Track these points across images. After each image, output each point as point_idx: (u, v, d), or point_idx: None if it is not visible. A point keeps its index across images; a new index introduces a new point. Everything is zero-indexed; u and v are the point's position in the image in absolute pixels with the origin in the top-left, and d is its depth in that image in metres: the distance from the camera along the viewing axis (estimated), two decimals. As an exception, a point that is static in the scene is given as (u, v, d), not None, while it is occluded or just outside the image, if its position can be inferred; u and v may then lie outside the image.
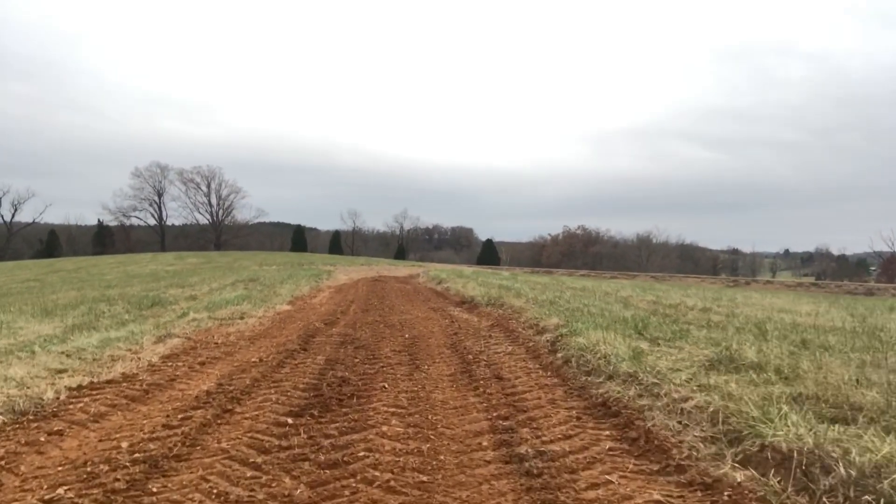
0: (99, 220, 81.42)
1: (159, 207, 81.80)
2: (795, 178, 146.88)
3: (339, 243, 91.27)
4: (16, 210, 74.60)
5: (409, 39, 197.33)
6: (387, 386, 4.92)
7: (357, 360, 6.05)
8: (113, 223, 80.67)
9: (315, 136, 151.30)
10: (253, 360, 6.14)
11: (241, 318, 10.13)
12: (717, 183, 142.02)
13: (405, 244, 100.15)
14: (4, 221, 73.99)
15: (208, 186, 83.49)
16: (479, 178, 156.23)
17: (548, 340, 6.55)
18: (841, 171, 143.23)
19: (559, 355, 5.80)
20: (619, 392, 4.24)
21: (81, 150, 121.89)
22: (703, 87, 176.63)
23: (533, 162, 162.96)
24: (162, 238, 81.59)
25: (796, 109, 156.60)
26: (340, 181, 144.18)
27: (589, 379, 4.82)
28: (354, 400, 4.47)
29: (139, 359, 6.15)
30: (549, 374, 5.32)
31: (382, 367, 5.75)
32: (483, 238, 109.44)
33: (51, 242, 77.50)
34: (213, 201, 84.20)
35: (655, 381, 4.20)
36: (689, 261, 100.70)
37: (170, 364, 5.99)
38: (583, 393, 4.54)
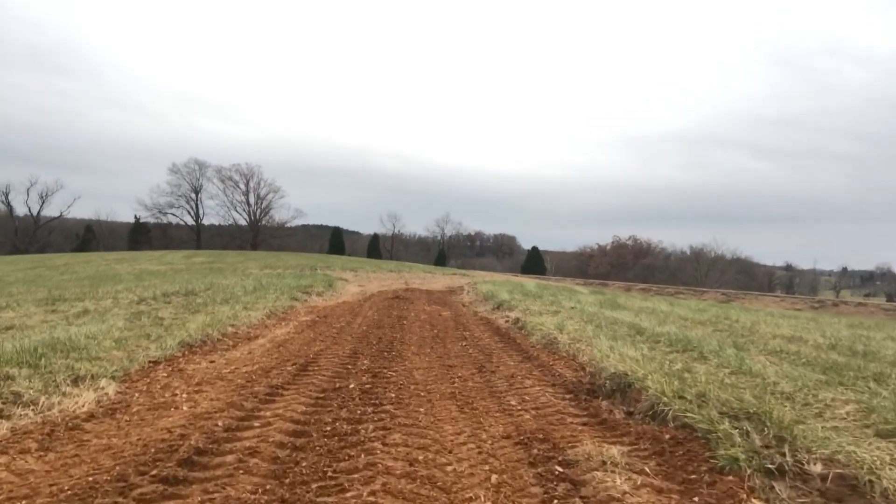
0: (136, 217, 75.60)
1: (196, 205, 75.30)
2: (853, 192, 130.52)
3: (377, 247, 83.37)
4: (43, 202, 68.78)
5: (453, 47, 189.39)
6: None
7: None
8: (150, 220, 74.68)
9: (355, 140, 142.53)
10: None
11: None
12: (766, 194, 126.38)
13: (446, 250, 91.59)
14: (31, 213, 68.53)
15: (247, 185, 76.58)
16: (523, 185, 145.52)
17: None
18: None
19: None
20: None
21: (116, 145, 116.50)
22: (750, 93, 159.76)
23: (576, 170, 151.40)
24: (198, 236, 75.10)
25: (853, 117, 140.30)
26: (383, 185, 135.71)
27: None
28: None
29: None
30: None
31: None
32: (526, 246, 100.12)
33: (86, 237, 72.04)
34: (252, 200, 77.43)
35: None
36: (745, 276, 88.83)
37: None
38: None
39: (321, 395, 4.31)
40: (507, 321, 9.54)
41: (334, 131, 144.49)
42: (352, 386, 4.62)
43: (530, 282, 22.93)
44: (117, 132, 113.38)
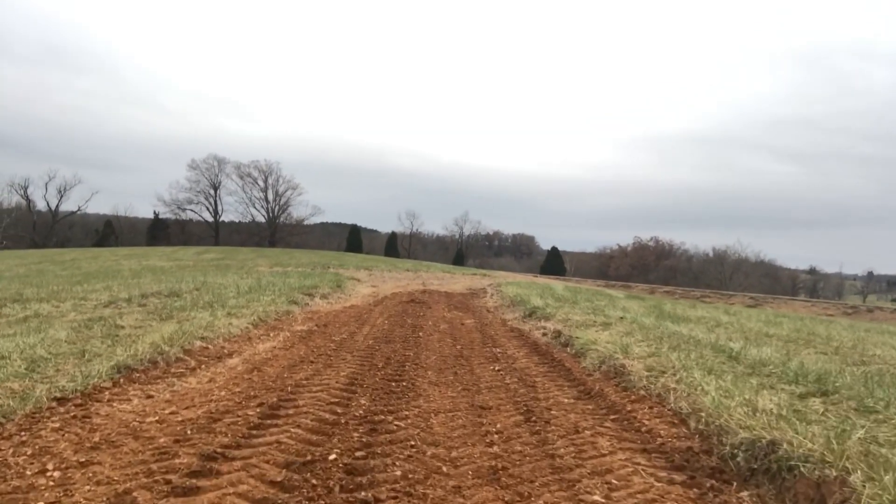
0: (154, 213, 74.94)
1: (215, 201, 74.48)
2: (878, 195, 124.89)
3: (395, 245, 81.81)
4: (62, 196, 67.92)
5: (474, 46, 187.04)
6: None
7: None
8: (169, 216, 73.90)
9: (374, 139, 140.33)
10: None
11: None
12: (789, 197, 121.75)
13: (464, 249, 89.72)
14: (50, 208, 67.98)
15: (265, 181, 75.60)
16: (542, 185, 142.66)
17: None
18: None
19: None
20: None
21: (136, 143, 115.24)
22: (771, 95, 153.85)
23: (595, 170, 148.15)
24: (216, 232, 74.27)
25: (877, 119, 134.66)
26: (401, 184, 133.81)
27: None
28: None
29: None
30: None
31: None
32: (545, 246, 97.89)
33: (105, 233, 71.53)
34: (270, 197, 76.37)
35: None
36: (770, 279, 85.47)
37: None
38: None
39: (279, 480, 2.59)
40: (544, 334, 7.76)
41: (353, 130, 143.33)
42: (333, 457, 2.89)
43: (558, 284, 21.07)
44: (137, 130, 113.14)
